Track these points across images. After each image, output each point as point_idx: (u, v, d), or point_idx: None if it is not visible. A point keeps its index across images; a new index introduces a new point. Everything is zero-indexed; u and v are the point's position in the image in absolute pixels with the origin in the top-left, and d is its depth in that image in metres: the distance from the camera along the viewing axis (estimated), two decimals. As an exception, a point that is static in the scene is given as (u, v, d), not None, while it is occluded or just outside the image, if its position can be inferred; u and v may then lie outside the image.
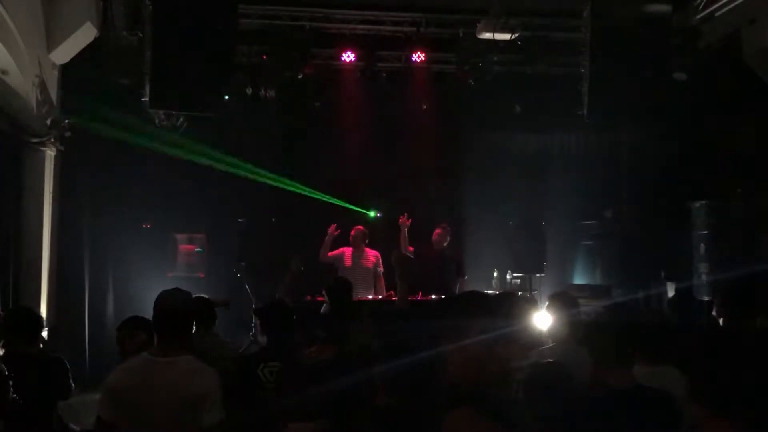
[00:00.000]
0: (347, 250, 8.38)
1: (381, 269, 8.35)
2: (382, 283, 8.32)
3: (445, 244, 8.37)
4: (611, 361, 2.84)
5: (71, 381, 4.27)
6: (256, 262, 9.07)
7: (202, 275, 9.13)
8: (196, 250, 9.40)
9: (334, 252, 8.39)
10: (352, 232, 8.40)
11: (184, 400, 3.07)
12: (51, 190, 7.38)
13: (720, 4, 8.18)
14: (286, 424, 3.46)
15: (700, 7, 8.48)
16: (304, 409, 3.39)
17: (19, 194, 7.14)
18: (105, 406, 3.11)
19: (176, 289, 3.32)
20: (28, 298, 6.89)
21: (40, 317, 4.57)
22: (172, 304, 3.23)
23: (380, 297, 8.08)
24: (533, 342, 3.88)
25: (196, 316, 3.74)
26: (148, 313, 3.46)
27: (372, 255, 8.39)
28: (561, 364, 3.21)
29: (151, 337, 3.73)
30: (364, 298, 7.82)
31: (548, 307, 4.41)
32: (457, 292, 7.91)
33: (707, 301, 6.67)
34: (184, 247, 9.51)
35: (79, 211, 8.24)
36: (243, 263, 9.07)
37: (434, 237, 8.36)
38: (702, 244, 7.66)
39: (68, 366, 4.29)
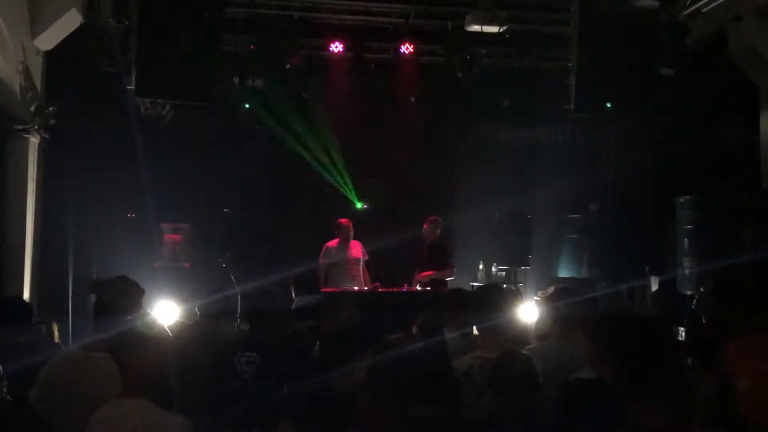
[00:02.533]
0: (333, 244, 8.38)
1: (367, 258, 8.37)
2: (367, 274, 8.36)
3: (433, 237, 8.40)
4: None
5: None
6: (241, 252, 9.04)
7: (188, 265, 9.08)
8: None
9: (322, 253, 8.39)
10: (339, 225, 8.39)
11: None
12: (34, 178, 7.32)
13: (707, 0, 8.22)
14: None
15: (687, 3, 8.50)
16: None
17: (2, 181, 7.08)
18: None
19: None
20: (10, 287, 6.84)
21: (30, 305, 4.53)
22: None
23: (366, 288, 8.11)
24: (519, 336, 3.90)
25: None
26: None
27: (358, 245, 8.42)
28: (528, 356, 3.22)
29: None
30: (352, 290, 7.86)
31: (544, 302, 4.38)
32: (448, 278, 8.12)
33: (690, 294, 6.75)
34: (169, 237, 9.46)
35: (62, 199, 8.17)
36: (228, 253, 9.03)
37: (424, 230, 8.40)
38: (686, 239, 7.70)
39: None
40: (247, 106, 9.27)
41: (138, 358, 2.78)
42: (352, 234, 8.38)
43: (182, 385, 3.05)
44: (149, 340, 2.86)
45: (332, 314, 4.77)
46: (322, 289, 7.69)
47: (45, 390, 2.84)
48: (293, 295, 6.35)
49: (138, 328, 2.93)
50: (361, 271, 8.34)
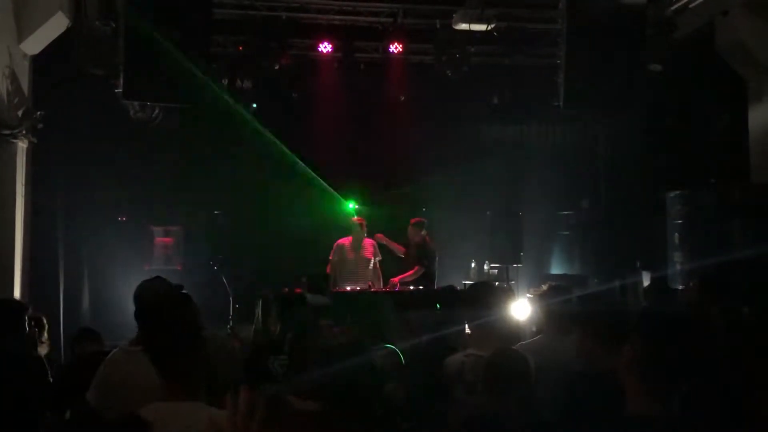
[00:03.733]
0: (346, 242, 8.31)
1: (379, 258, 8.34)
2: (380, 273, 8.30)
3: (417, 239, 8.33)
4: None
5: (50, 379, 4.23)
6: (232, 255, 9.02)
7: (180, 267, 9.06)
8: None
9: (333, 250, 8.30)
10: (353, 223, 8.34)
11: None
12: (23, 182, 7.27)
13: (694, -5, 8.27)
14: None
15: (674, -1, 8.56)
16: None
17: (-9, 187, 7.03)
18: (93, 396, 3.13)
19: (157, 278, 3.28)
20: (1, 293, 6.79)
21: (25, 308, 4.50)
22: (153, 294, 3.20)
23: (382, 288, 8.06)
24: (512, 333, 3.91)
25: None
26: (125, 306, 3.43)
27: (370, 244, 8.31)
28: (521, 353, 3.23)
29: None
30: (365, 289, 7.82)
31: (537, 299, 4.40)
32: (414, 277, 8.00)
33: (681, 289, 6.77)
34: (160, 240, 9.44)
35: (52, 203, 8.14)
36: (220, 256, 9.02)
37: (408, 231, 8.38)
38: (676, 234, 7.73)
39: (47, 365, 4.25)
40: (254, 105, 9.23)
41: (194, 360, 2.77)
42: (365, 233, 8.30)
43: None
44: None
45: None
46: (333, 290, 7.63)
47: (103, 388, 2.88)
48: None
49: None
50: (370, 270, 8.21)
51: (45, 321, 4.96)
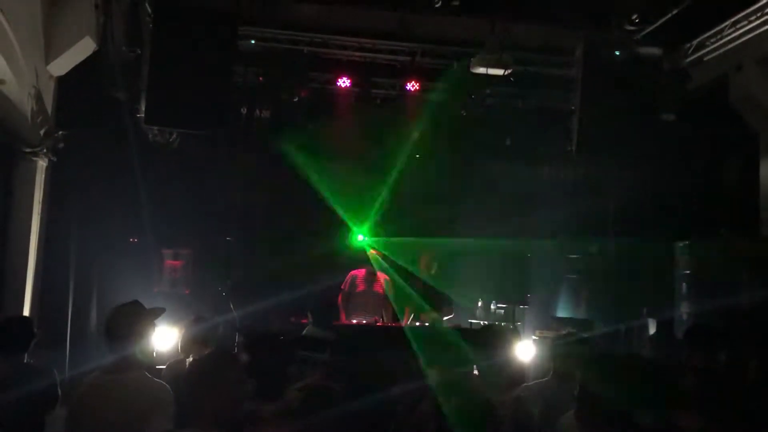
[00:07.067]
0: (359, 274, 8.35)
1: (391, 293, 8.33)
2: (390, 308, 8.31)
3: (432, 272, 8.41)
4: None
5: (59, 390, 4.27)
6: (241, 281, 9.06)
7: (188, 291, 9.10)
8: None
9: (346, 280, 8.35)
10: (369, 256, 8.39)
11: (132, 414, 3.10)
12: (40, 200, 7.37)
13: (709, 49, 8.39)
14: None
15: (690, 51, 8.68)
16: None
17: (8, 203, 7.13)
18: (68, 422, 3.21)
19: (128, 304, 3.34)
20: (11, 308, 6.85)
21: (31, 324, 4.57)
22: (119, 323, 3.26)
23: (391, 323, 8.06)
24: (516, 377, 3.92)
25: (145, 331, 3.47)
26: None
27: (383, 279, 8.34)
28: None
29: None
30: (377, 323, 7.81)
31: (543, 341, 4.42)
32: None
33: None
34: (169, 263, 9.48)
35: (66, 222, 8.21)
36: (228, 281, 9.06)
37: (420, 264, 8.42)
38: (684, 284, 7.75)
39: (56, 376, 4.30)
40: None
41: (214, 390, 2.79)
42: (379, 267, 8.32)
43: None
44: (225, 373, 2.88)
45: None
46: (334, 322, 7.66)
47: (77, 411, 2.90)
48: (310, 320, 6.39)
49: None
50: (380, 305, 8.22)
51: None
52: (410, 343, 6.29)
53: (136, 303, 3.37)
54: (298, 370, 4.36)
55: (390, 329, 7.67)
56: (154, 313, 3.39)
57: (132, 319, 3.27)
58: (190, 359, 4.62)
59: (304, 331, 6.67)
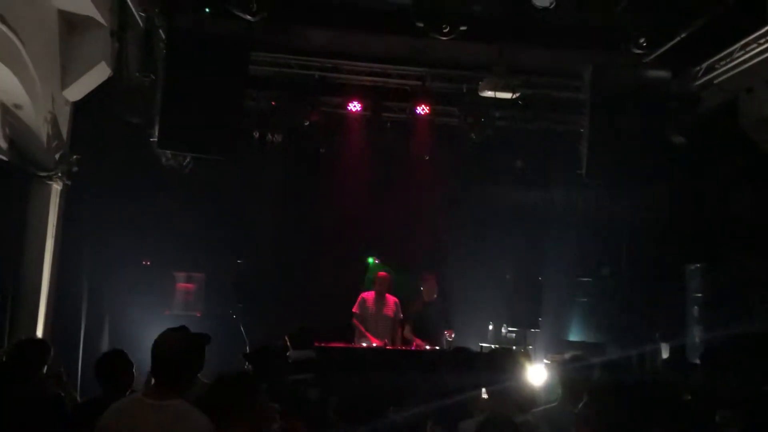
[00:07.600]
0: (369, 297, 8.36)
1: (401, 316, 8.34)
2: (400, 332, 8.30)
3: (435, 296, 8.40)
4: None
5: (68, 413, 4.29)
6: (252, 305, 9.08)
7: (199, 314, 9.13)
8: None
9: (357, 303, 8.37)
10: (379, 278, 8.42)
11: None
12: (54, 224, 7.44)
13: (719, 72, 8.40)
14: None
15: (700, 74, 8.70)
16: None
17: (23, 226, 7.20)
18: None
19: (180, 330, 3.21)
20: (24, 331, 6.89)
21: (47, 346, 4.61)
22: (170, 348, 3.15)
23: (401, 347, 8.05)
24: (528, 399, 3.91)
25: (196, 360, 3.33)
26: (144, 348, 3.40)
27: (393, 302, 8.38)
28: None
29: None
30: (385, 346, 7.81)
31: (554, 366, 4.40)
32: (444, 344, 7.92)
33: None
34: (181, 286, 9.53)
35: (80, 245, 8.27)
36: (240, 304, 9.08)
37: (424, 288, 8.42)
38: (696, 307, 7.70)
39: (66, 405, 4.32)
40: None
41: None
42: (388, 289, 8.36)
43: None
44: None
45: None
46: (315, 343, 7.64)
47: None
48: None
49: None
50: (390, 328, 8.24)
51: (63, 377, 5.02)
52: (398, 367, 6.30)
53: (184, 328, 3.24)
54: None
55: (377, 351, 7.66)
56: (203, 340, 3.25)
57: (183, 345, 3.17)
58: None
59: (288, 354, 6.68)
